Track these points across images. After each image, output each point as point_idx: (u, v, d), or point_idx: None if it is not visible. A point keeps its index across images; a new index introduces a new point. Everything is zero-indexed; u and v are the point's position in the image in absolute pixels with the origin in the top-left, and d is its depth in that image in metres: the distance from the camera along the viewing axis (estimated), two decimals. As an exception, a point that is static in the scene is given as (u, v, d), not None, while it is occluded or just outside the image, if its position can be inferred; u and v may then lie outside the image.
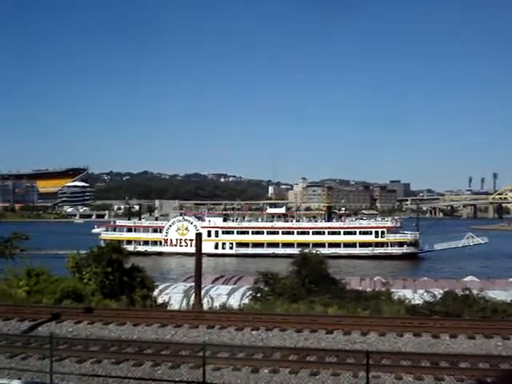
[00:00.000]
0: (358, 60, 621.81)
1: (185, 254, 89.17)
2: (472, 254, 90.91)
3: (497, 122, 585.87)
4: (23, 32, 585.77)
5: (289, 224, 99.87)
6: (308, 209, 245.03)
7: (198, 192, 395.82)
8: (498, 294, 25.28)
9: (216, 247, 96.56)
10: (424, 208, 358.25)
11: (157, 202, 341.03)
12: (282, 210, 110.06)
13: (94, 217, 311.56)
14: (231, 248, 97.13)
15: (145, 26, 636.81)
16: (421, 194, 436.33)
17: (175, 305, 25.50)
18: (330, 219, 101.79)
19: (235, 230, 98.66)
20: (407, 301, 23.33)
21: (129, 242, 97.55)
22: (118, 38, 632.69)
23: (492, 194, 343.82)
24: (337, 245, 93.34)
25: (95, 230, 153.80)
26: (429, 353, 14.13)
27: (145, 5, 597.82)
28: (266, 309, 20.77)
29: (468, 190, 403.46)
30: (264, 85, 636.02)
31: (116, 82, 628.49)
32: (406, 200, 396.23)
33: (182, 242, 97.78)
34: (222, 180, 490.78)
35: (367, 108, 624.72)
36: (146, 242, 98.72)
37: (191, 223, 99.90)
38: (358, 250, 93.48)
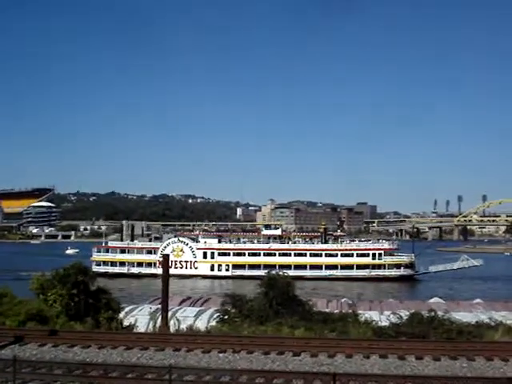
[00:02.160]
0: (327, 84, 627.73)
1: (180, 276, 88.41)
2: (464, 276, 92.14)
3: (460, 147, 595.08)
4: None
5: (286, 246, 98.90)
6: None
7: (166, 213, 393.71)
8: (463, 316, 25.60)
9: (212, 269, 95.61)
10: (390, 230, 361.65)
11: (124, 223, 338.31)
12: (278, 232, 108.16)
13: (59, 237, 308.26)
14: (227, 270, 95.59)
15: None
16: (387, 216, 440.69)
17: (141, 327, 25.25)
18: (326, 241, 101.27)
19: (231, 252, 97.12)
20: (374, 322, 23.48)
21: (122, 263, 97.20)
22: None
23: (457, 216, 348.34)
24: (334, 267, 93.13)
25: (69, 251, 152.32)
26: (395, 374, 14.19)
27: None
28: (233, 331, 20.70)
29: (433, 213, 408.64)
30: (231, 106, 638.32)
31: (81, 101, 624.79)
32: (373, 222, 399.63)
33: (177, 263, 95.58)
34: (190, 201, 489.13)
35: (335, 132, 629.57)
36: (139, 264, 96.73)
37: (186, 245, 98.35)
38: (355, 272, 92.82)
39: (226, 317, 24.56)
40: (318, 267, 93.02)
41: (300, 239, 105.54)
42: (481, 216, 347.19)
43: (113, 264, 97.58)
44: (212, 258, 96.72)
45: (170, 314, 24.99)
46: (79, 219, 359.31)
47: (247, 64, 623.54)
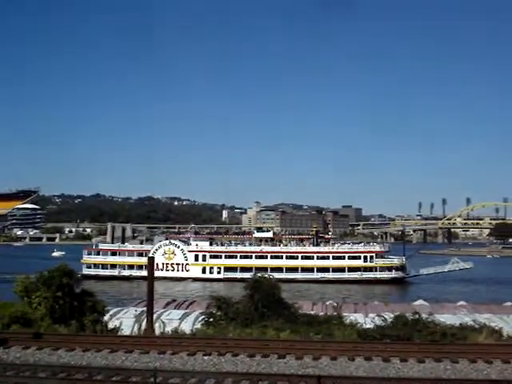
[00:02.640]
0: (313, 90, 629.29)
1: (172, 279, 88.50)
2: (454, 278, 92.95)
3: (444, 151, 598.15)
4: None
5: (278, 248, 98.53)
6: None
7: (151, 215, 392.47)
8: (446, 318, 25.72)
9: (203, 272, 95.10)
10: (375, 233, 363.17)
11: (109, 226, 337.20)
12: (270, 234, 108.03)
13: (44, 240, 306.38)
14: (219, 272, 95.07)
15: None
16: (372, 219, 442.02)
17: (126, 330, 25.14)
18: (318, 244, 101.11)
19: (223, 255, 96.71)
20: (358, 325, 23.54)
21: (113, 266, 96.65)
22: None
23: (441, 219, 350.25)
24: (326, 269, 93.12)
25: (55, 254, 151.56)
26: (380, 377, 14.28)
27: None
28: (218, 334, 20.69)
29: (418, 216, 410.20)
30: (218, 106, 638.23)
31: (65, 102, 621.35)
32: (358, 225, 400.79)
33: (169, 266, 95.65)
34: (176, 203, 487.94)
35: (320, 137, 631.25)
36: (130, 267, 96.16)
37: (178, 247, 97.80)
38: (346, 275, 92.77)
39: (212, 319, 24.53)
40: (310, 270, 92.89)
41: (292, 242, 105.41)
42: (465, 219, 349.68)
43: (103, 266, 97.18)
44: (204, 260, 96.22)
45: (155, 316, 24.93)
46: (64, 221, 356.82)
47: (238, 67, 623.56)
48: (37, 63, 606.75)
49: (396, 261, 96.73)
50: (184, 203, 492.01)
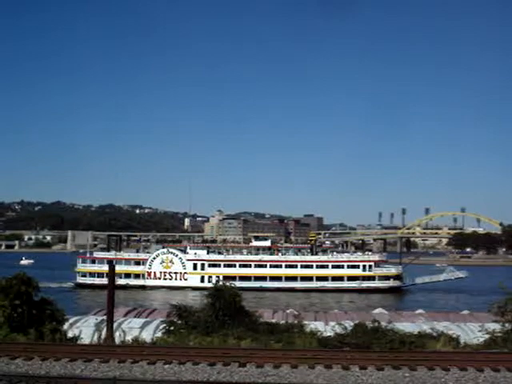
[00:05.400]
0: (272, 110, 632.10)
1: (170, 288, 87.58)
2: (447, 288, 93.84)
3: (404, 161, 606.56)
4: None
5: (277, 257, 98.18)
6: (224, 241, 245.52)
7: (112, 223, 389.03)
8: (405, 326, 26.05)
9: (202, 280, 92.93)
10: (336, 241, 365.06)
11: (69, 233, 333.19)
12: (268, 243, 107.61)
13: (3, 247, 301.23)
14: (218, 281, 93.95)
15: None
16: (333, 228, 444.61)
17: (86, 339, 24.85)
18: (316, 252, 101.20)
19: (222, 263, 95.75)
20: (319, 333, 23.70)
21: None
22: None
23: (401, 228, 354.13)
24: (324, 278, 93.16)
25: (23, 262, 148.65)
26: (339, 384, 14.39)
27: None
28: (179, 342, 20.61)
29: (378, 225, 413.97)
30: (178, 114, 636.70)
31: (28, 107, 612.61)
32: (319, 234, 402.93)
33: (167, 275, 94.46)
34: (138, 211, 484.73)
35: (282, 147, 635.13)
36: (127, 275, 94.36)
37: (176, 256, 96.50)
38: (345, 284, 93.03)
39: (172, 328, 24.45)
40: (309, 279, 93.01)
41: (290, 251, 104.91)
42: (424, 228, 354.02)
43: (99, 275, 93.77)
44: (202, 269, 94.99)
45: (115, 325, 24.73)
46: (23, 229, 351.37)
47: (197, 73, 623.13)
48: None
49: (393, 270, 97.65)
50: (146, 211, 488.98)
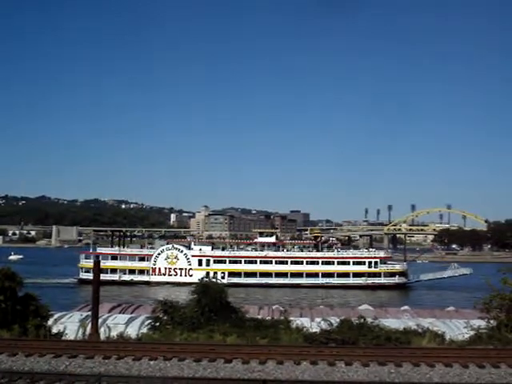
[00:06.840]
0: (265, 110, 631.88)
1: (174, 284, 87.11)
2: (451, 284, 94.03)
3: (390, 158, 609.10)
4: None
5: (283, 253, 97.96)
6: (210, 237, 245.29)
7: (98, 218, 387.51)
8: (390, 323, 26.13)
9: (207, 277, 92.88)
10: (323, 238, 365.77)
11: (54, 228, 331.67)
12: (273, 239, 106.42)
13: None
14: (223, 278, 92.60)
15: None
16: (320, 224, 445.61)
17: (70, 335, 24.71)
18: (321, 249, 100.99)
19: (227, 259, 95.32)
20: (305, 329, 23.71)
21: (113, 270, 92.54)
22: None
23: (387, 225, 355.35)
24: (330, 275, 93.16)
25: (12, 257, 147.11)
26: (325, 380, 14.38)
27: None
28: (164, 338, 20.53)
29: (365, 221, 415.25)
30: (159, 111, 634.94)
31: (17, 104, 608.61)
32: (306, 230, 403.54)
33: (172, 271, 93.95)
34: (123, 206, 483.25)
35: (268, 144, 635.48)
36: (132, 271, 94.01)
37: (181, 252, 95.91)
38: (351, 280, 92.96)
39: (158, 324, 24.36)
40: (315, 275, 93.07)
41: (295, 247, 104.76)
42: (410, 225, 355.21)
43: (103, 271, 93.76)
44: (207, 265, 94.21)
45: (100, 321, 24.60)
46: (7, 224, 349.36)
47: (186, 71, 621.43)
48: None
49: (398, 267, 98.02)
50: (131, 206, 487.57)
